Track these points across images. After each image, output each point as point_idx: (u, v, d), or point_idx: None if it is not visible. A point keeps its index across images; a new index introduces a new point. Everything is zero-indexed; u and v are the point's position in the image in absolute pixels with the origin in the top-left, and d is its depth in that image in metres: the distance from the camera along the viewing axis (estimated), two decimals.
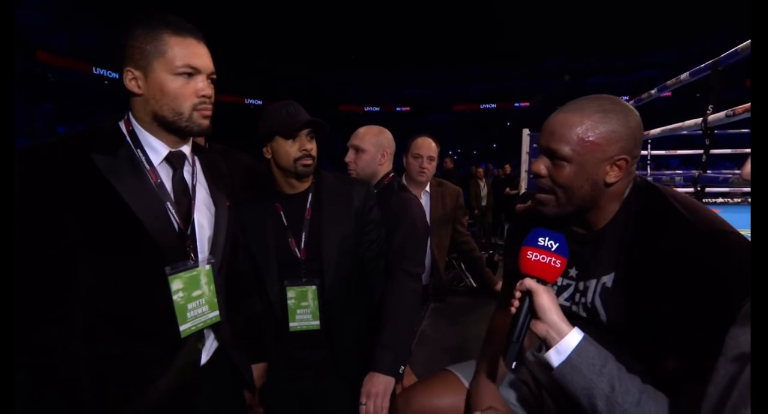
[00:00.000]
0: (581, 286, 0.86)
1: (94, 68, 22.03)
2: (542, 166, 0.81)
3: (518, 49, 30.74)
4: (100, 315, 0.84)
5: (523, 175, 6.24)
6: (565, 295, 0.89)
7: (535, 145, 5.72)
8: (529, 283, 0.78)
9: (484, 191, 6.95)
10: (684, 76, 2.41)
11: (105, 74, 22.16)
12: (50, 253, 0.77)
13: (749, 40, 1.73)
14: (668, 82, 2.59)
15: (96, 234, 0.81)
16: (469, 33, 31.94)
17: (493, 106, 33.43)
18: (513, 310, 0.79)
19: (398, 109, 34.70)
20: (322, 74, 34.27)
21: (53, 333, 0.77)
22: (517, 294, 0.80)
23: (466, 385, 1.02)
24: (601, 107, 0.77)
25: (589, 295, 0.83)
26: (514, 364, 0.77)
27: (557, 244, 0.79)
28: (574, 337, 0.73)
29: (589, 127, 0.75)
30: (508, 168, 8.68)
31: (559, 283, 0.90)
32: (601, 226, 0.83)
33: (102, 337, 0.84)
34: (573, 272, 0.88)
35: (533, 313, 0.77)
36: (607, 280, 0.80)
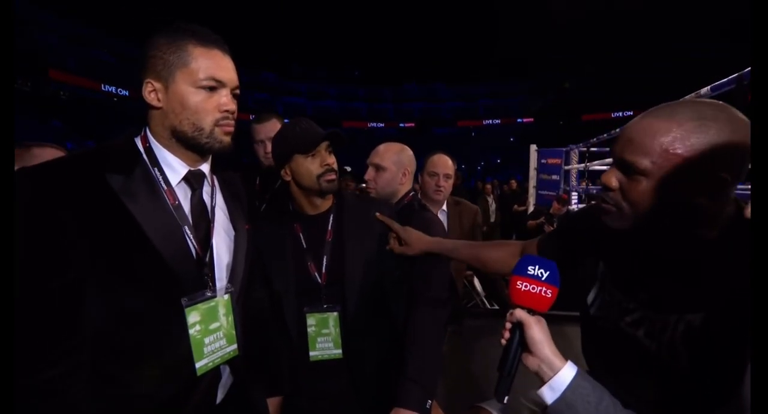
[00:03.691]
0: (654, 316, 0.75)
1: (102, 85, 22.54)
2: (614, 179, 0.71)
3: (521, 66, 31.17)
4: (109, 352, 0.76)
5: (531, 191, 6.17)
6: (629, 319, 0.79)
7: (544, 161, 5.66)
8: (520, 314, 0.73)
9: (492, 207, 6.88)
10: (705, 90, 2.36)
11: (114, 91, 22.65)
12: (55, 285, 0.70)
13: None
14: (686, 97, 2.53)
15: (107, 262, 0.74)
16: (473, 50, 32.47)
17: (497, 121, 33.70)
18: (504, 342, 0.75)
19: (402, 124, 34.99)
20: (326, 90, 34.78)
21: (53, 374, 0.69)
22: (508, 325, 0.75)
23: None
24: (698, 114, 0.64)
25: (668, 332, 0.72)
26: (506, 398, 0.72)
27: (548, 273, 0.74)
28: (567, 372, 0.69)
29: (679, 137, 0.64)
30: (514, 183, 8.59)
31: (624, 304, 0.80)
32: (685, 254, 0.72)
33: (111, 377, 0.76)
34: (643, 296, 0.78)
35: (524, 346, 0.72)
36: (695, 319, 0.69)
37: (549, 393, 0.69)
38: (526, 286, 0.75)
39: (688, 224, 0.69)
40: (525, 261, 0.77)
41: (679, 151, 0.64)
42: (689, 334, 0.69)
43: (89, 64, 22.44)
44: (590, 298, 0.88)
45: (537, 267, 0.75)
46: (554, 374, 0.69)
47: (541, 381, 0.71)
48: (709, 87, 2.30)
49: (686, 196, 0.66)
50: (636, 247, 0.80)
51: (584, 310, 0.90)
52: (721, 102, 0.67)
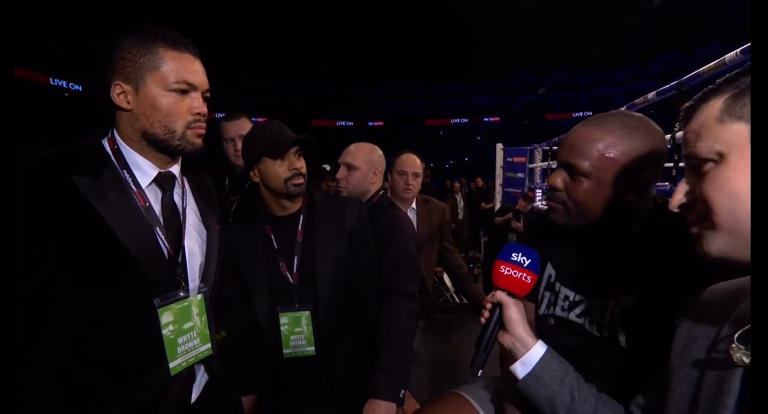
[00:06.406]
0: (595, 304, 0.85)
1: (51, 79, 20.97)
2: (559, 180, 0.81)
3: (489, 66, 31.89)
4: (80, 357, 0.75)
5: (498, 189, 6.39)
6: (577, 310, 0.87)
7: (509, 159, 5.87)
8: (500, 295, 0.79)
9: (460, 205, 7.07)
10: (651, 95, 2.55)
11: (65, 86, 21.14)
12: (23, 289, 0.69)
13: (710, 63, 1.87)
14: (637, 100, 2.72)
15: (77, 265, 0.73)
16: (442, 49, 32.90)
17: (464, 120, 34.39)
18: (483, 320, 0.81)
19: (371, 123, 34.99)
20: (293, 89, 34.22)
21: (21, 381, 0.68)
22: (488, 305, 0.81)
23: (478, 409, 0.99)
24: (624, 123, 0.76)
25: (607, 315, 0.81)
26: (480, 372, 0.78)
27: (529, 261, 0.80)
28: (538, 350, 0.75)
29: (611, 143, 0.75)
30: (480, 181, 8.85)
31: (571, 299, 0.89)
32: (619, 245, 0.82)
33: (82, 382, 0.75)
34: (586, 288, 0.87)
35: (502, 324, 0.79)
36: (628, 301, 0.79)
37: (521, 368, 0.75)
38: (508, 271, 0.80)
39: (620, 218, 0.79)
40: (510, 248, 0.82)
41: (612, 155, 0.75)
42: (624, 315, 0.79)
43: (35, 54, 20.81)
44: (538, 297, 0.97)
45: (520, 254, 0.80)
46: (526, 351, 0.75)
47: (514, 358, 0.77)
48: (654, 92, 2.50)
49: (619, 193, 0.76)
50: (579, 244, 0.90)
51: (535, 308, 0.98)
52: (640, 114, 0.80)
